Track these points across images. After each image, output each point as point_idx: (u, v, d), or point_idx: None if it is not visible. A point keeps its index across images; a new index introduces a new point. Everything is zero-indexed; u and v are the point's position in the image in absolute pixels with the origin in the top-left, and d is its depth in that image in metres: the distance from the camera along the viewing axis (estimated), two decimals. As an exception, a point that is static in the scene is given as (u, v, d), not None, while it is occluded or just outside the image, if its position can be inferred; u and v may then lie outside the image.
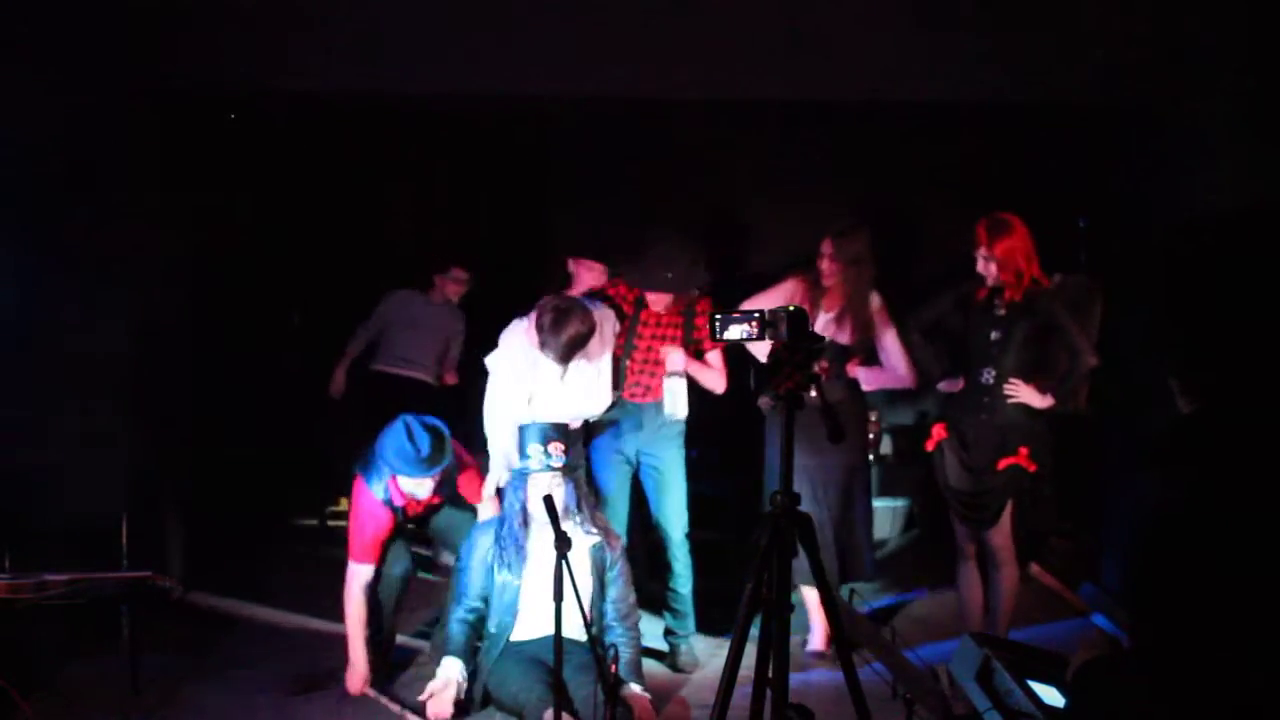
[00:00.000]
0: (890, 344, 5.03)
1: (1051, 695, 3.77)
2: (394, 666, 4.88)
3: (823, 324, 4.96)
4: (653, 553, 5.25)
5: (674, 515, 5.12)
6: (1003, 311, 4.74)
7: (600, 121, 5.96)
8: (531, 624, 4.49)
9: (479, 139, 6.28)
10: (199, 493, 5.74)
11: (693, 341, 5.04)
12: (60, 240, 5.06)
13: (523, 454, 4.48)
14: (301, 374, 6.48)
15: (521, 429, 4.55)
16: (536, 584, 4.44)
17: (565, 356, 4.71)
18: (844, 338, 4.99)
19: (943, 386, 5.00)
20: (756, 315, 3.36)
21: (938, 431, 4.92)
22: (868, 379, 5.11)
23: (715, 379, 5.07)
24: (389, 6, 5.07)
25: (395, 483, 4.58)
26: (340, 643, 4.72)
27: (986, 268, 4.72)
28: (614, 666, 3.64)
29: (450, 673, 4.41)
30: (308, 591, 5.77)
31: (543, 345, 4.70)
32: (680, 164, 6.17)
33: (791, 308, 3.32)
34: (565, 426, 4.58)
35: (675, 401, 5.03)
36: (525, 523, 4.51)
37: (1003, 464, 4.72)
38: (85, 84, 5.05)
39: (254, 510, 6.34)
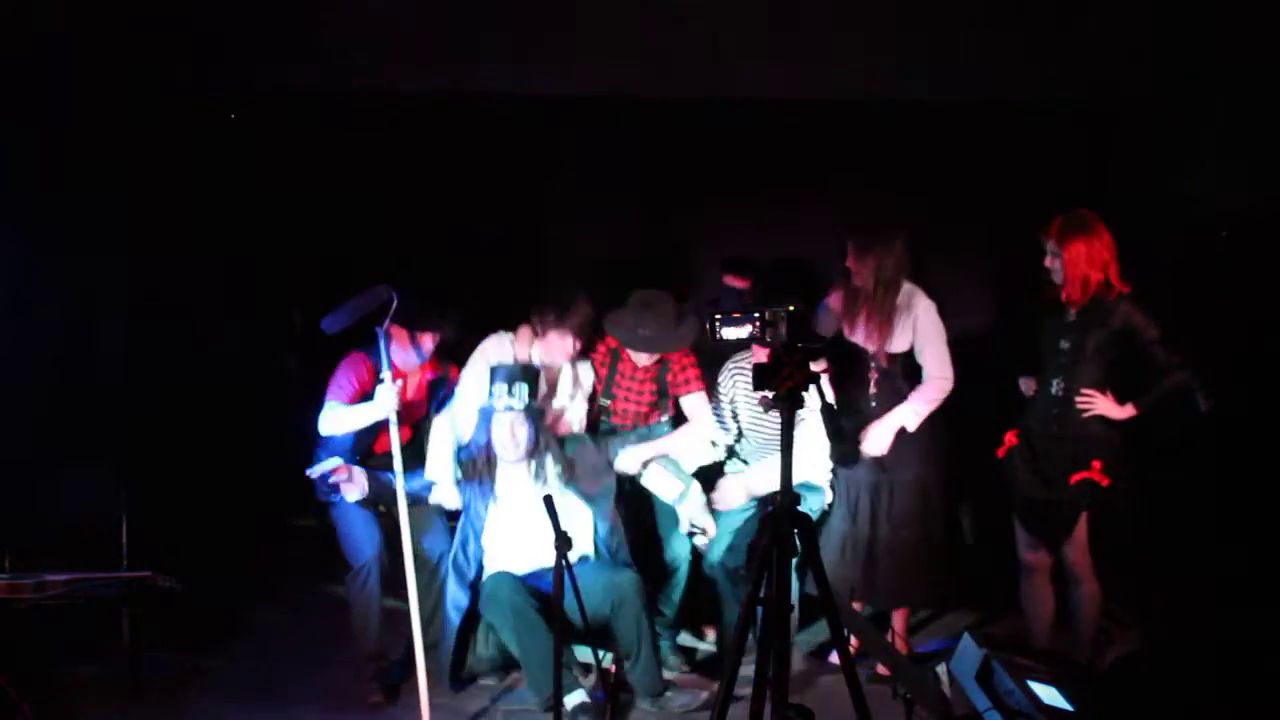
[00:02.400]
0: (930, 346, 4.78)
1: (1051, 695, 3.76)
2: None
3: (865, 332, 4.78)
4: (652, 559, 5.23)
5: (674, 529, 5.07)
6: (1073, 319, 4.51)
7: (605, 123, 5.96)
8: (505, 559, 4.63)
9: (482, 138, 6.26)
10: (199, 493, 5.73)
11: (667, 389, 4.96)
12: (60, 240, 5.06)
13: (489, 394, 4.57)
14: (303, 373, 6.46)
15: (491, 370, 4.63)
16: (504, 521, 4.63)
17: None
18: (885, 345, 4.78)
19: (1021, 385, 4.77)
20: (756, 315, 3.35)
21: (1010, 438, 4.68)
22: (912, 415, 4.76)
23: (694, 434, 4.93)
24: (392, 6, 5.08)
25: (388, 350, 4.58)
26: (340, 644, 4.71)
27: (1053, 262, 4.49)
28: (614, 668, 3.64)
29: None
30: (307, 592, 5.77)
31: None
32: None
33: (791, 307, 3.31)
34: (534, 370, 4.65)
35: (659, 488, 4.88)
36: (490, 461, 4.63)
37: (1075, 478, 4.48)
38: (86, 83, 5.06)
39: (253, 510, 6.32)
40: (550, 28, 5.21)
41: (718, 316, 3.39)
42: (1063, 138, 5.68)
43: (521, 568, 4.63)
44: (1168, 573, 4.98)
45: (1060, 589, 4.70)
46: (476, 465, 4.66)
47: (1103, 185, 5.64)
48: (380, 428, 4.64)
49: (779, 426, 3.30)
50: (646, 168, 6.05)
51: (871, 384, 4.85)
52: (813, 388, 3.33)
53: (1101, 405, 4.49)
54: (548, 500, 3.89)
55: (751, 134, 5.91)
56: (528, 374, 4.59)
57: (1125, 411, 4.49)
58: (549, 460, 4.67)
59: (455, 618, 4.66)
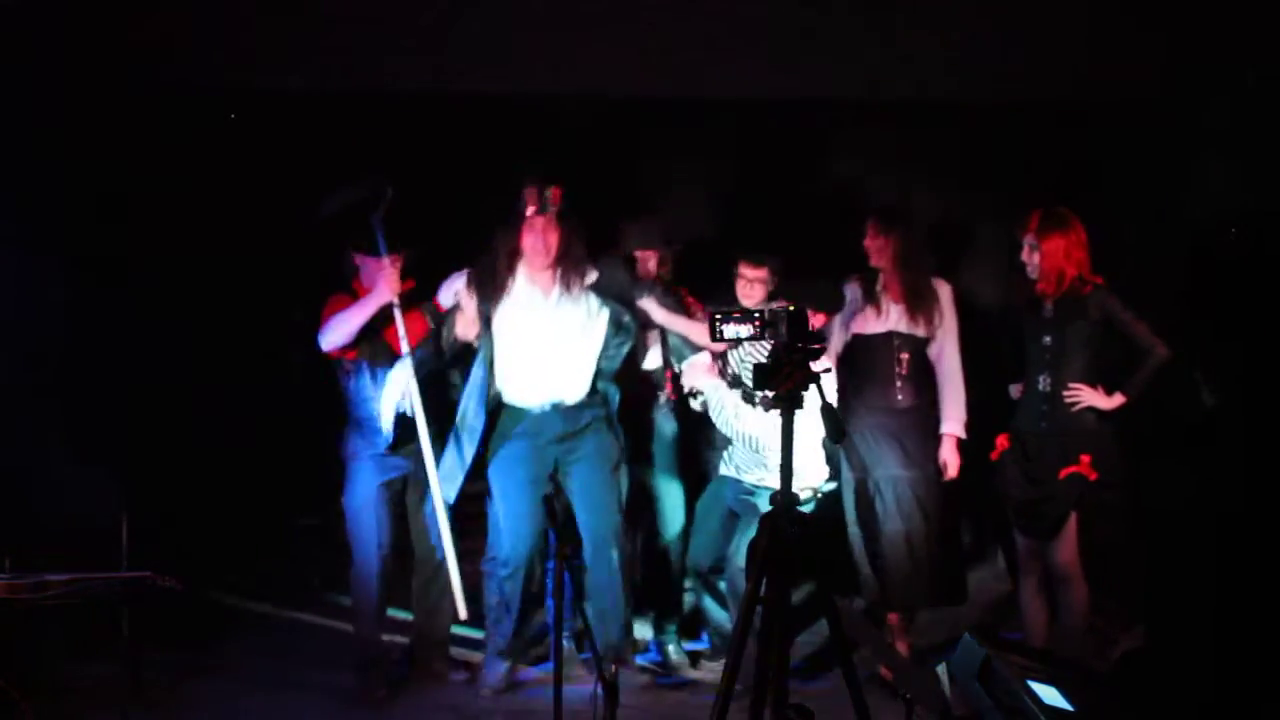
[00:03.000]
0: (952, 334, 4.81)
1: (1051, 695, 3.76)
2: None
3: (896, 316, 4.78)
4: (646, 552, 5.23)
5: (668, 516, 5.08)
6: (1051, 314, 4.56)
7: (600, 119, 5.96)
8: (519, 388, 4.59)
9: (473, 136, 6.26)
10: (199, 493, 5.73)
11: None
12: (59, 240, 5.06)
13: (521, 200, 4.48)
14: (303, 372, 6.45)
15: (525, 177, 4.56)
16: (521, 338, 4.54)
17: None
18: (920, 328, 4.79)
19: (1011, 391, 4.80)
20: (757, 315, 3.37)
21: (1001, 442, 4.70)
22: (956, 413, 4.81)
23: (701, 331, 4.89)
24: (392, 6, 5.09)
25: (360, 281, 4.66)
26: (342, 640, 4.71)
27: (1030, 256, 4.55)
28: (614, 668, 3.64)
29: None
30: (308, 590, 5.77)
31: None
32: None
33: (791, 308, 3.32)
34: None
35: (649, 350, 4.95)
36: (512, 268, 4.53)
37: (1064, 473, 4.50)
38: (85, 83, 5.06)
39: (254, 510, 6.33)
40: (552, 28, 5.21)
41: (718, 316, 3.41)
42: (1062, 137, 5.68)
43: (538, 395, 4.58)
44: (1163, 569, 4.98)
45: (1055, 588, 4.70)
46: (499, 271, 4.52)
47: (1100, 185, 5.65)
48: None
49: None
50: (638, 164, 6.05)
51: (898, 375, 4.82)
52: (813, 387, 3.33)
53: (1090, 397, 4.51)
54: (547, 500, 3.88)
55: (751, 132, 5.92)
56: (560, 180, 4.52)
57: (1114, 401, 4.51)
58: (574, 271, 4.56)
59: (471, 446, 4.60)
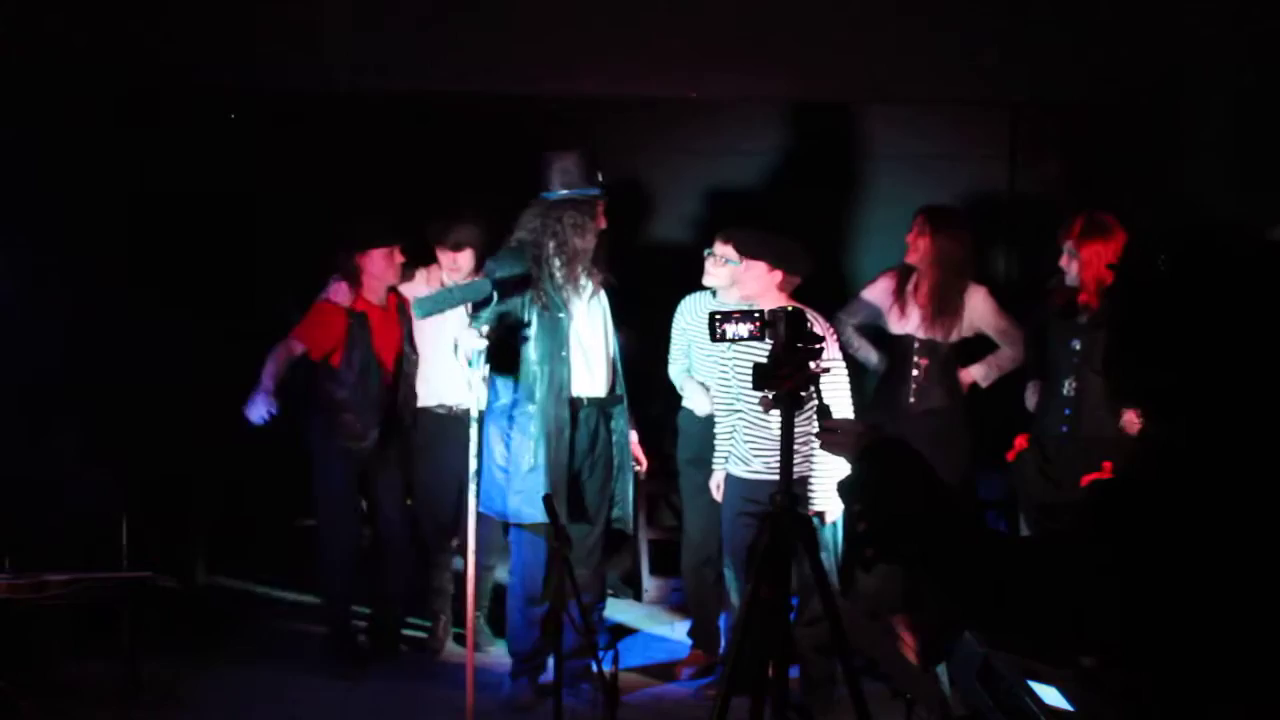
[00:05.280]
0: (1003, 327, 4.79)
1: (1052, 695, 3.76)
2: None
3: (916, 320, 4.73)
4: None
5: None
6: (1085, 319, 4.47)
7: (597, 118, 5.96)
8: (578, 379, 4.44)
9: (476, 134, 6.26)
10: (199, 493, 5.73)
11: None
12: (59, 240, 5.06)
13: (554, 186, 4.32)
14: (301, 373, 6.45)
15: (547, 156, 4.41)
16: (580, 332, 4.42)
17: None
18: (939, 334, 4.74)
19: (1027, 395, 4.76)
20: (757, 315, 3.36)
21: (1020, 442, 4.65)
22: (985, 373, 4.83)
23: None
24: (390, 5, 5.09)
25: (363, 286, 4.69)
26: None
27: (1069, 264, 4.46)
28: (614, 667, 3.63)
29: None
30: (307, 592, 5.77)
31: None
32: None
33: (790, 308, 3.31)
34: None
35: None
36: (576, 258, 4.32)
37: (1086, 480, 4.36)
38: (85, 82, 5.07)
39: (253, 511, 6.33)
40: (553, 28, 5.22)
41: (718, 316, 3.41)
42: (1062, 137, 5.68)
43: (588, 388, 4.47)
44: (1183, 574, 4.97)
45: None
46: (572, 261, 4.27)
47: (1100, 185, 5.65)
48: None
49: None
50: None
51: (912, 379, 4.77)
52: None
53: (1130, 417, 4.34)
54: (547, 500, 3.88)
55: (760, 131, 5.93)
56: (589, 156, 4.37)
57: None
58: (602, 262, 4.47)
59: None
